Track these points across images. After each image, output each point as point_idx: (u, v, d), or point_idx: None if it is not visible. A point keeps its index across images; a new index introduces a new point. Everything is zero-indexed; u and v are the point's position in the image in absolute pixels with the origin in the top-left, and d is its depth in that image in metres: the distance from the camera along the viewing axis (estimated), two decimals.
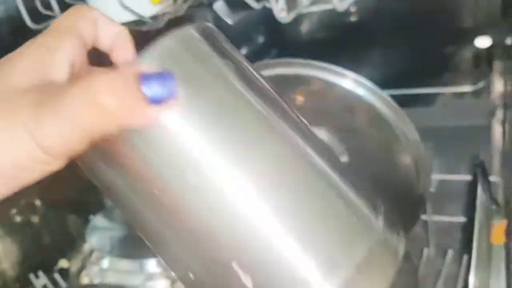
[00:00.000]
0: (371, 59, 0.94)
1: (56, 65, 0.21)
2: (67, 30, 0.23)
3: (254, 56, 0.85)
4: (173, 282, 0.53)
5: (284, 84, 0.53)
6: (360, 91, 0.50)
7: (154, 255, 0.53)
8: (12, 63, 0.21)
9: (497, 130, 0.75)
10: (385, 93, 0.50)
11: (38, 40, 0.22)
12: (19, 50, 0.22)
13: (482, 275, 0.35)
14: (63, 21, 0.23)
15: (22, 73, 0.21)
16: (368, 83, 0.50)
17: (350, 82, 0.50)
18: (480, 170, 0.40)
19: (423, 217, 0.56)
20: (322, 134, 0.57)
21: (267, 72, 0.52)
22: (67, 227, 0.70)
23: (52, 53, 0.22)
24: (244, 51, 1.05)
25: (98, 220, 0.61)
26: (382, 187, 0.57)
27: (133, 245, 0.55)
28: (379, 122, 0.51)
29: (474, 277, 0.34)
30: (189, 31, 0.23)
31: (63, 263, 0.64)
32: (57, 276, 0.61)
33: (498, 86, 0.85)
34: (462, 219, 0.55)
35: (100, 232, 0.58)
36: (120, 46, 0.25)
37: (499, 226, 0.36)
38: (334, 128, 0.56)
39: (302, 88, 0.53)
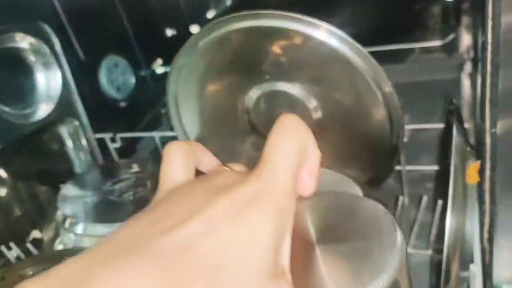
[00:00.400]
0: (340, 17, 0.93)
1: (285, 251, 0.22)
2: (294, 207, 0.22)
3: None
4: None
5: (256, 36, 0.52)
6: (334, 42, 0.49)
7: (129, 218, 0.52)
8: (253, 251, 0.20)
9: (466, 83, 0.77)
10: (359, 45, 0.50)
11: (272, 223, 0.21)
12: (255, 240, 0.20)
13: (458, 215, 0.35)
14: (291, 203, 0.22)
15: (259, 261, 0.20)
16: (342, 34, 0.49)
17: (323, 33, 0.49)
18: (455, 112, 0.41)
19: (397, 167, 0.56)
20: (295, 89, 0.56)
21: (237, 25, 0.50)
22: (38, 198, 0.68)
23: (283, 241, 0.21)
24: (212, 13, 1.03)
25: (68, 188, 0.59)
26: (357, 139, 0.58)
27: (108, 211, 0.54)
28: (353, 73, 0.50)
29: (451, 216, 0.34)
30: None
31: (36, 234, 0.63)
32: (30, 246, 0.60)
33: (466, 40, 0.86)
34: (435, 167, 0.56)
35: (72, 200, 0.56)
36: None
37: (473, 166, 0.36)
38: (307, 81, 0.55)
39: (274, 40, 0.52)
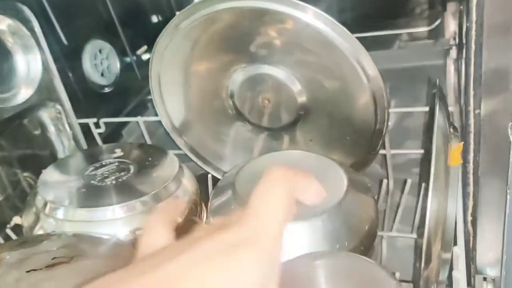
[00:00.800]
0: (327, 3, 0.92)
1: None
2: None
3: None
4: (133, 230, 0.52)
5: (240, 18, 0.51)
6: (319, 25, 0.49)
7: (113, 203, 0.52)
8: None
9: (452, 68, 0.77)
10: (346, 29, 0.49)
11: None
12: None
13: (440, 196, 0.35)
14: None
15: None
16: (328, 17, 0.48)
17: (309, 15, 0.49)
18: (438, 93, 0.40)
19: (382, 151, 0.56)
20: (280, 72, 0.55)
21: (220, 6, 0.49)
22: (20, 184, 0.67)
23: None
24: None
25: (48, 173, 0.58)
26: (342, 122, 0.57)
27: (89, 196, 0.53)
28: (338, 57, 0.50)
29: (432, 198, 0.34)
30: None
31: (17, 220, 0.62)
32: (10, 232, 0.59)
33: (451, 26, 0.86)
34: (420, 151, 0.56)
35: (52, 185, 0.55)
36: None
37: (456, 148, 0.36)
38: (292, 64, 0.55)
39: (259, 22, 0.51)
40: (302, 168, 0.50)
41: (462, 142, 0.37)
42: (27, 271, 0.35)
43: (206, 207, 0.59)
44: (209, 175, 0.62)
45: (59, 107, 0.70)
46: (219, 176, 0.65)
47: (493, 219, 0.43)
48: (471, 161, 0.41)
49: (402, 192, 0.50)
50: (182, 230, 0.60)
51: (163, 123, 0.65)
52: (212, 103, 0.62)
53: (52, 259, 0.37)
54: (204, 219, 0.61)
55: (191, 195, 0.57)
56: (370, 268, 0.32)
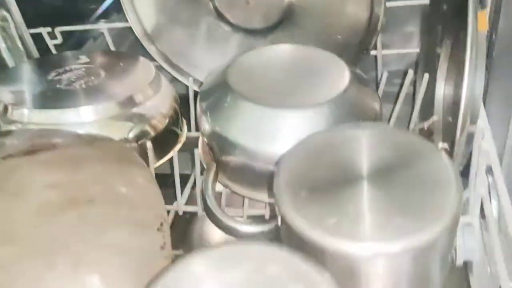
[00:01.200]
0: None
1: None
2: None
3: None
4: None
5: None
6: None
7: (83, 104, 0.46)
8: None
9: None
10: None
11: None
12: None
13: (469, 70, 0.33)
14: None
15: None
16: None
17: None
18: None
19: (373, 52, 0.53)
20: None
21: None
22: None
23: None
24: None
25: (4, 79, 0.50)
26: (333, 19, 0.53)
27: (57, 98, 0.47)
28: None
29: (470, 67, 0.31)
30: None
31: None
32: None
33: None
34: (415, 50, 0.53)
35: (12, 89, 0.48)
36: None
37: (482, 13, 0.33)
38: None
39: None
40: (300, 61, 0.46)
41: (486, 8, 0.34)
42: (3, 157, 0.29)
43: (188, 120, 0.55)
44: (190, 80, 0.57)
45: (5, 13, 0.61)
46: (195, 88, 0.60)
47: (501, 105, 0.42)
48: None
49: (401, 84, 0.47)
50: (163, 140, 0.55)
51: (134, 29, 0.58)
52: (188, 3, 0.56)
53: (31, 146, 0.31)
54: (185, 131, 0.56)
55: (170, 102, 0.52)
56: (417, 142, 0.31)
